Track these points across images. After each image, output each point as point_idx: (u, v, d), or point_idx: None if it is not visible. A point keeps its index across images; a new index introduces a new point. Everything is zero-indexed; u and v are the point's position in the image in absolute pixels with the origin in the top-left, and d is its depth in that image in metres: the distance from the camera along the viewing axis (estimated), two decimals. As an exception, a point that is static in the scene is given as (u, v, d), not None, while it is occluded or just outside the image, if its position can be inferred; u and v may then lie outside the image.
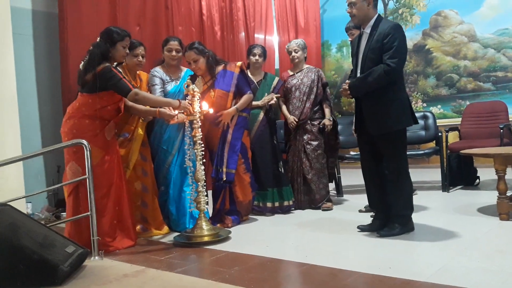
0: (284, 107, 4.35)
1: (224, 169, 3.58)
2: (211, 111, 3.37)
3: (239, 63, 3.79)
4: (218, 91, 3.67)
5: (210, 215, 3.68)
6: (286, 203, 4.08)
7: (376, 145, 3.06)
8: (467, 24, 6.69)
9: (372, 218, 3.23)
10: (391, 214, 3.07)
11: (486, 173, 4.78)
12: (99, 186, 2.99)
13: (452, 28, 6.81)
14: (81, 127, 3.03)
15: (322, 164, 4.25)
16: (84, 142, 2.87)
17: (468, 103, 6.15)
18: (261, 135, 4.08)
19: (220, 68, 3.74)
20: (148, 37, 5.09)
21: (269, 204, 4.04)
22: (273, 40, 7.24)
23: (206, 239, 3.13)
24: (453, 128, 5.21)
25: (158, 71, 3.69)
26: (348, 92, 3.06)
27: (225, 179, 3.57)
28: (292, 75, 4.37)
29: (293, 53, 4.31)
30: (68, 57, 4.40)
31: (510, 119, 5.03)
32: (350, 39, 3.83)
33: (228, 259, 2.77)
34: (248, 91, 3.76)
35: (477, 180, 4.88)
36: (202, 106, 3.26)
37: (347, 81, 3.13)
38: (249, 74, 4.15)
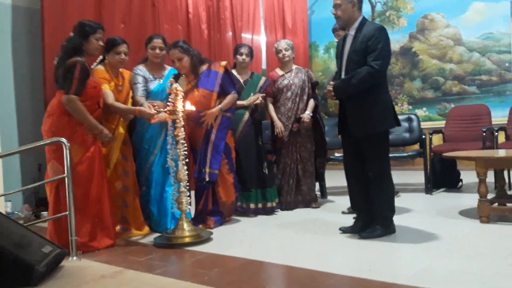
0: (271, 108, 4.30)
1: (207, 170, 3.55)
2: (194, 109, 3.34)
3: (223, 63, 3.75)
4: (202, 91, 3.62)
5: (193, 216, 3.65)
6: (269, 204, 4.06)
7: (360, 147, 3.06)
8: (453, 27, 6.75)
9: (354, 220, 3.23)
10: (373, 216, 3.07)
11: (469, 176, 4.81)
12: (80, 184, 2.94)
13: (438, 31, 6.86)
14: (60, 124, 2.99)
15: (313, 166, 4.28)
16: (63, 140, 2.82)
17: (453, 106, 6.20)
18: (246, 135, 4.06)
19: (204, 67, 3.69)
20: (133, 35, 5.03)
21: (252, 205, 4.02)
22: (260, 40, 7.22)
23: (187, 240, 3.09)
24: (437, 131, 5.24)
25: (141, 69, 3.63)
26: (333, 93, 3.06)
27: (208, 179, 3.54)
28: (282, 75, 4.33)
29: (284, 51, 4.28)
30: (50, 54, 4.31)
31: (493, 123, 5.08)
32: (336, 40, 3.83)
33: (209, 260, 2.74)
34: (232, 91, 3.73)
35: (460, 183, 4.92)
36: (185, 106, 3.23)
37: (331, 82, 3.13)
38: (235, 73, 4.13)
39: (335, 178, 5.38)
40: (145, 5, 5.27)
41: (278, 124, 4.17)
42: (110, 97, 3.28)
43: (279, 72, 4.38)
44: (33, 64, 4.52)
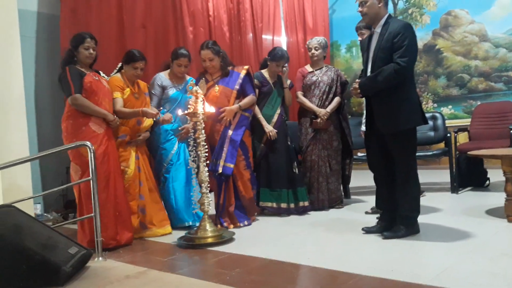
0: (307, 101, 4.25)
1: (222, 163, 3.65)
2: (213, 110, 3.39)
3: (246, 67, 3.91)
4: (223, 88, 3.78)
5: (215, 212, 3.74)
6: (301, 203, 4.06)
7: (386, 144, 3.03)
8: (478, 23, 6.59)
9: (378, 220, 3.19)
10: (397, 216, 3.04)
11: (496, 175, 4.68)
12: (97, 180, 2.98)
13: (462, 27, 6.72)
14: (67, 129, 3.19)
15: (339, 165, 4.28)
16: (88, 143, 2.91)
17: (479, 103, 6.06)
18: (284, 137, 4.11)
19: (229, 68, 3.85)
20: (154, 39, 5.13)
21: (283, 205, 4.03)
22: (281, 40, 7.22)
23: (209, 240, 3.13)
24: (462, 129, 5.13)
25: (162, 77, 3.82)
26: (359, 91, 3.04)
27: (220, 171, 3.62)
28: (311, 72, 4.35)
29: (313, 51, 4.30)
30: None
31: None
32: (360, 38, 3.80)
33: (231, 260, 2.76)
34: (252, 93, 3.85)
35: (487, 182, 4.81)
36: (205, 108, 3.28)
37: (357, 80, 3.12)
38: (266, 75, 4.19)
39: (359, 178, 5.34)
40: (166, 9, 5.36)
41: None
42: (118, 104, 3.43)
43: (309, 68, 4.39)
44: (55, 69, 4.59)
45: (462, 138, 5.30)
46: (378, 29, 3.01)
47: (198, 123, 3.26)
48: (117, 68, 3.60)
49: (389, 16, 3.02)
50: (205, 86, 3.77)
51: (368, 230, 3.14)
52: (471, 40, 6.65)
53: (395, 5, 7.33)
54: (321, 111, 4.16)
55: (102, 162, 3.11)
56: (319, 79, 4.28)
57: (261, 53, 6.62)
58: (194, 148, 3.34)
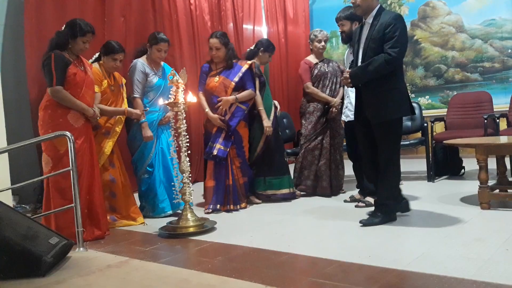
0: (320, 91, 4.32)
1: (217, 145, 3.83)
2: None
3: (250, 62, 4.05)
4: (223, 78, 3.93)
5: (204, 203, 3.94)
6: (291, 190, 4.20)
7: (372, 133, 3.09)
8: (455, 14, 6.71)
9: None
10: (374, 202, 3.10)
11: (472, 163, 4.81)
12: (68, 175, 2.93)
13: (440, 18, 6.83)
14: (44, 118, 3.11)
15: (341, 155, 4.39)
16: (67, 133, 2.88)
17: (455, 93, 6.20)
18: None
19: (233, 61, 3.98)
20: (135, 27, 5.07)
21: (279, 191, 4.16)
22: (262, 30, 7.22)
23: (191, 230, 3.15)
24: (439, 119, 5.25)
25: (144, 64, 3.79)
26: (349, 80, 3.09)
27: (215, 153, 3.80)
28: (316, 63, 4.41)
29: (323, 43, 4.39)
30: (31, 49, 4.17)
31: (495, 110, 5.08)
32: (340, 30, 3.85)
33: (212, 249, 2.80)
34: (251, 88, 3.96)
35: (462, 170, 4.95)
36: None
37: (347, 69, 3.16)
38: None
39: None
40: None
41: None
42: (97, 100, 3.40)
43: (313, 60, 4.44)
44: (19, 57, 4.34)
45: (439, 127, 5.43)
46: (369, 20, 3.06)
47: (179, 112, 3.26)
48: (94, 58, 3.56)
49: (380, 7, 3.08)
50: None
51: (366, 223, 3.06)
52: (448, 31, 6.78)
53: (374, -5, 7.39)
54: (336, 101, 4.24)
55: (77, 157, 2.99)
56: (326, 69, 4.37)
57: (242, 42, 6.62)
58: (175, 138, 3.34)
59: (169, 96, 3.30)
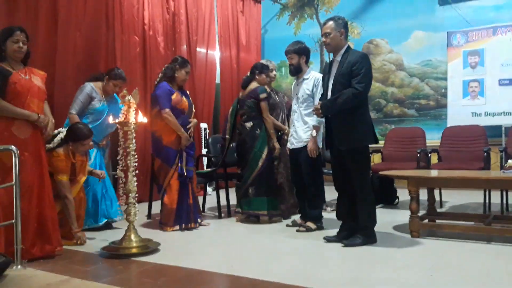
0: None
1: (185, 167, 4.02)
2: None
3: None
4: (188, 100, 4.17)
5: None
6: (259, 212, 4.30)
7: (344, 160, 3.35)
8: (396, 53, 7.23)
9: (339, 230, 3.46)
10: (357, 226, 3.34)
11: (406, 194, 5.14)
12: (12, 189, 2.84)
13: (382, 56, 7.32)
14: None
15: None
16: (13, 148, 2.82)
17: (393, 127, 6.62)
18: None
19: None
20: (85, 41, 5.05)
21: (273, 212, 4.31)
22: (215, 55, 7.38)
23: (134, 250, 3.14)
24: (376, 150, 5.58)
25: (93, 89, 4.03)
26: (320, 111, 3.35)
27: (185, 174, 3.99)
28: (269, 92, 4.55)
29: (275, 72, 4.76)
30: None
31: (428, 144, 5.48)
32: (289, 62, 4.05)
33: (156, 270, 2.81)
34: None
35: (397, 200, 5.26)
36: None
37: (319, 101, 3.47)
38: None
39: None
40: (99, 14, 5.27)
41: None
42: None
43: (267, 89, 4.57)
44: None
45: (377, 158, 5.76)
46: (338, 58, 3.37)
47: (129, 132, 3.28)
48: (60, 140, 3.53)
49: (348, 47, 3.39)
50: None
51: (329, 239, 3.40)
52: (389, 68, 7.27)
53: (323, 30, 7.79)
54: (287, 128, 4.49)
55: (24, 170, 2.93)
56: (277, 100, 4.66)
57: (195, 65, 6.72)
58: (122, 157, 3.33)
59: (119, 116, 3.32)
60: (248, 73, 4.51)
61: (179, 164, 4.00)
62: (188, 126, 4.10)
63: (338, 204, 3.54)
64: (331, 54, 3.51)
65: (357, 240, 3.28)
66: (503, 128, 5.82)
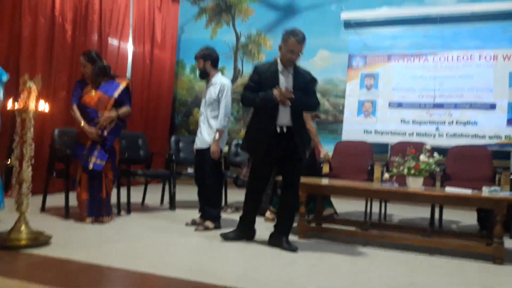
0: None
1: (93, 159, 4.02)
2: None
3: (127, 80, 4.51)
4: (101, 94, 4.13)
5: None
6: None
7: (280, 168, 3.62)
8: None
9: (237, 230, 3.67)
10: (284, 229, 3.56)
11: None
12: None
13: (291, 69, 7.73)
14: None
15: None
16: None
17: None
18: None
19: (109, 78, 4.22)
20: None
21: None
22: (128, 48, 7.27)
23: (23, 243, 3.04)
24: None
25: None
26: (291, 97, 3.39)
27: (91, 167, 3.99)
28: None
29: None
30: None
31: (321, 156, 5.91)
32: (197, 66, 4.20)
33: (46, 263, 2.76)
34: (128, 105, 4.25)
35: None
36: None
37: (291, 90, 3.44)
38: None
39: (183, 192, 5.70)
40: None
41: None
42: None
43: None
44: None
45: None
46: (291, 71, 3.56)
47: (28, 119, 3.18)
48: None
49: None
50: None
51: (227, 237, 3.60)
52: (296, 81, 7.69)
53: (238, 39, 8.05)
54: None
55: None
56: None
57: (105, 56, 6.57)
58: (18, 145, 3.21)
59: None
60: None
61: (87, 158, 4.02)
62: (96, 120, 4.08)
63: (249, 208, 3.70)
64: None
65: (289, 243, 3.48)
66: (389, 146, 6.50)
